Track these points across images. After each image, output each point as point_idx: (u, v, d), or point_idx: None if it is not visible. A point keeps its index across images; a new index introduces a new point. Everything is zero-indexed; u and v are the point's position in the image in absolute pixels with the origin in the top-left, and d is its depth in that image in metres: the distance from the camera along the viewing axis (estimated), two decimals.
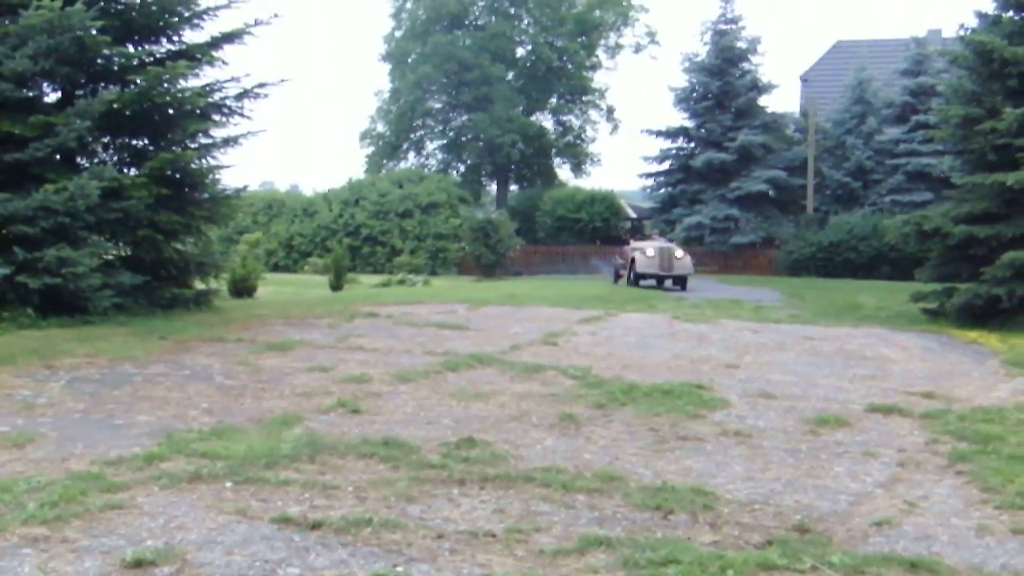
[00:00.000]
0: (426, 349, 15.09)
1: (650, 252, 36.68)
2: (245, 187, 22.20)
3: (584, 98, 71.67)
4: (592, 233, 56.01)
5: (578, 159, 71.64)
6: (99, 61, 18.54)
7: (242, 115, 19.89)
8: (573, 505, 7.37)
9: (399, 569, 6.00)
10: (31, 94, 18.27)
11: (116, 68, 18.75)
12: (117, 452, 8.44)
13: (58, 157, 17.80)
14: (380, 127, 71.10)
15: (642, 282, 37.10)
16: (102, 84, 18.93)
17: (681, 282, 36.68)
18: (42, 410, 10.21)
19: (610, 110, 72.17)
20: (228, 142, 20.02)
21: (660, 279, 37.00)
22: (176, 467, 8.01)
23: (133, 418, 9.94)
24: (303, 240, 55.89)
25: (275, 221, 56.83)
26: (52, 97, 19.01)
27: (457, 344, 15.80)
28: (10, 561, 5.93)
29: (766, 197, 50.75)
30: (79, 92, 18.66)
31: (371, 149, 71.22)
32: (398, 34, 69.51)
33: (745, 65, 52.82)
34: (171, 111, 18.82)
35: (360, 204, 55.85)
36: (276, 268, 50.98)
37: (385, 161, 70.16)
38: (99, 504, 6.98)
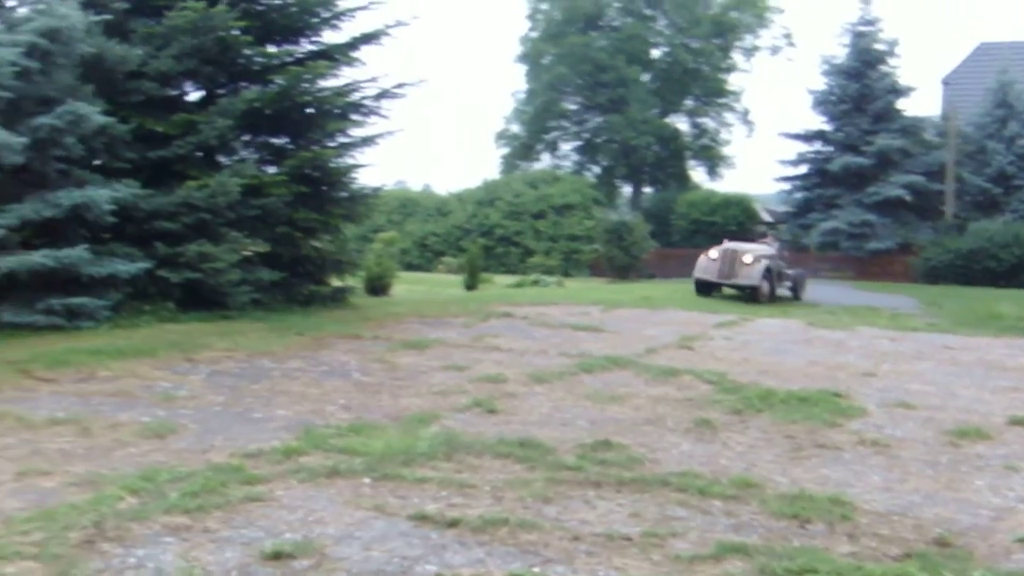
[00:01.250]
0: (561, 350, 15.05)
1: (713, 254, 29.84)
2: (382, 186, 22.42)
3: (719, 100, 70.94)
4: (727, 237, 55.58)
5: (713, 162, 70.98)
6: (240, 61, 18.78)
7: (380, 115, 20.03)
8: (709, 511, 7.27)
9: (536, 570, 5.96)
10: (174, 93, 18.63)
11: (257, 68, 19.00)
12: (256, 445, 8.54)
13: (200, 155, 18.07)
14: (515, 128, 71.16)
15: (714, 292, 30.34)
16: (243, 84, 19.18)
17: (751, 293, 28.97)
18: (183, 402, 10.37)
19: (745, 112, 71.40)
20: (365, 141, 20.18)
21: (716, 287, 30.03)
22: (314, 462, 8.08)
23: (271, 412, 10.05)
24: (437, 239, 56.15)
25: (409, 220, 57.17)
26: (194, 96, 19.29)
27: (592, 346, 15.74)
28: (153, 549, 6.01)
29: (903, 203, 49.55)
30: (220, 91, 18.96)
31: (506, 150, 71.31)
32: (533, 35, 69.45)
33: (883, 68, 51.77)
34: (310, 111, 19.00)
35: (494, 204, 55.98)
36: (409, 267, 51.21)
37: (519, 162, 70.17)
38: (239, 496, 7.06)
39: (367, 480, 7.64)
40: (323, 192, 19.41)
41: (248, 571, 5.77)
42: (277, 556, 5.97)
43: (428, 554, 6.15)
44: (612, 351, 15.02)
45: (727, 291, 30.50)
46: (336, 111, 19.50)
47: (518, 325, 18.41)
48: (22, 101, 14.52)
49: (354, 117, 19.82)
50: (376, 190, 21.40)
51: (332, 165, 19.33)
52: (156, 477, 7.43)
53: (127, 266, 15.32)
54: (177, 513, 6.66)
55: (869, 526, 7.10)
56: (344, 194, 20.06)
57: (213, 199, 16.48)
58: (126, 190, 15.45)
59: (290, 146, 19.51)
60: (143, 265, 15.70)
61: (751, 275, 28.78)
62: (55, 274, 14.09)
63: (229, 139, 17.96)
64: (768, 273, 29.19)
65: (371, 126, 20.21)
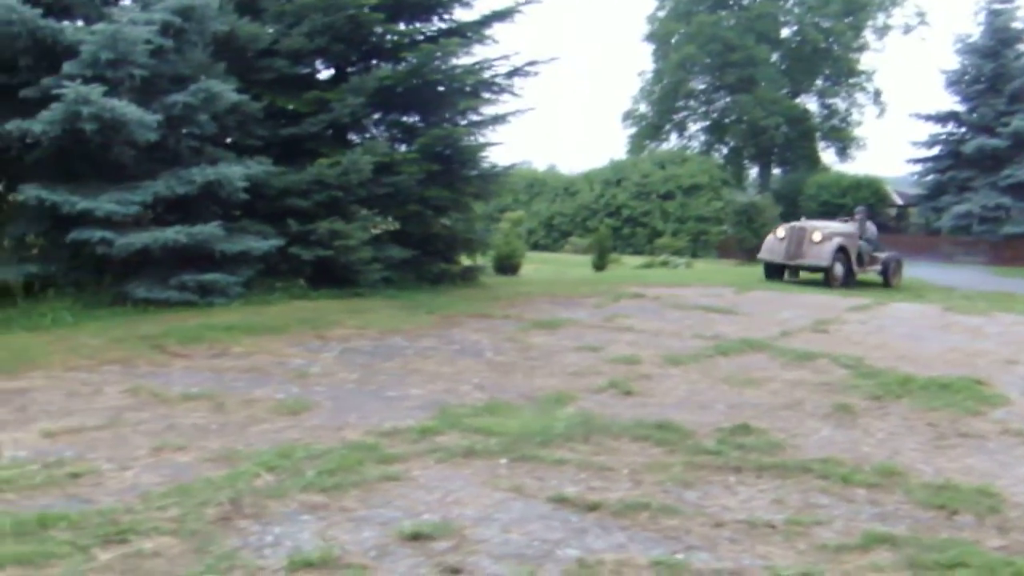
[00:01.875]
0: (695, 332, 14.78)
1: (780, 232, 26.79)
2: (513, 165, 22.17)
3: (850, 80, 69.73)
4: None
5: (843, 143, 69.77)
6: (371, 39, 18.74)
7: (512, 93, 19.86)
8: (853, 499, 6.97)
9: (679, 556, 5.74)
10: (305, 71, 18.62)
11: (388, 46, 18.96)
12: (391, 424, 8.42)
13: (330, 133, 18.06)
14: (642, 108, 70.62)
15: (785, 275, 27.36)
16: (374, 62, 19.15)
17: (824, 276, 25.77)
18: (316, 379, 10.31)
19: (877, 93, 70.03)
20: (496, 120, 20.01)
21: (785, 269, 27.09)
22: (450, 441, 7.93)
23: (405, 391, 9.93)
24: (563, 220, 55.87)
25: (536, 200, 56.99)
26: (325, 74, 19.28)
27: (725, 328, 15.45)
28: (290, 527, 5.91)
29: None
30: (351, 69, 18.93)
31: (633, 129, 70.80)
32: (661, 14, 68.77)
33: (1021, 47, 50.42)
34: (442, 88, 18.88)
35: (622, 185, 55.55)
36: (536, 247, 51.08)
37: (647, 142, 69.64)
38: (375, 475, 6.93)
39: (504, 461, 7.48)
40: (454, 170, 19.28)
41: (387, 551, 5.63)
42: (416, 537, 5.82)
43: (568, 537, 5.97)
44: (747, 334, 14.71)
45: (803, 274, 27.40)
46: (467, 89, 19.35)
47: (650, 306, 18.17)
48: (156, 79, 14.59)
49: (485, 95, 19.66)
50: (507, 169, 21.23)
51: (463, 143, 19.19)
52: (292, 454, 7.34)
53: (259, 243, 15.34)
54: (314, 491, 6.55)
55: (1019, 519, 6.76)
56: (475, 172, 19.93)
57: (345, 177, 16.45)
58: (258, 167, 15.47)
59: (420, 124, 19.42)
60: (275, 242, 15.71)
61: (820, 255, 25.52)
62: (188, 250, 14.13)
63: (361, 117, 17.93)
64: (842, 253, 25.82)
65: (502, 104, 20.05)
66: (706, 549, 5.90)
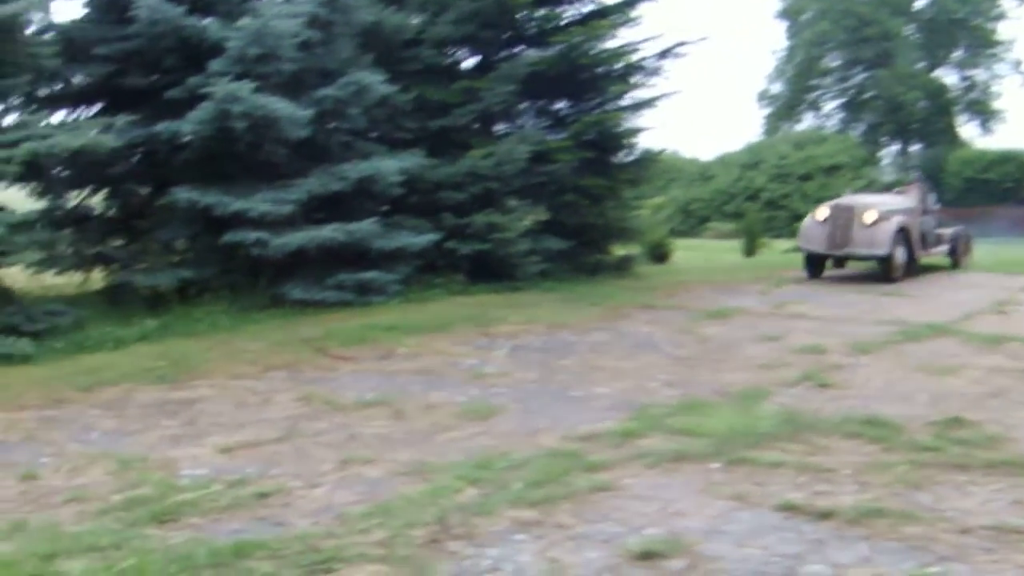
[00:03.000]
0: (874, 317, 14.01)
1: (821, 213, 20.05)
2: (663, 150, 21.49)
3: (988, 51, 67.76)
4: (1003, 195, 52.83)
5: (984, 116, 67.80)
6: (516, 24, 18.17)
7: (660, 76, 19.18)
8: None
9: (933, 570, 5.12)
10: (450, 60, 18.12)
11: (533, 31, 18.37)
12: (587, 427, 7.85)
13: (478, 123, 17.54)
14: (776, 87, 69.33)
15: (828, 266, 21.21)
16: (519, 48, 18.58)
17: (881, 266, 19.68)
18: (493, 380, 9.77)
19: (1017, 63, 67.96)
20: (644, 104, 19.34)
21: (824, 261, 20.75)
22: (655, 445, 7.32)
23: (590, 389, 9.34)
24: (701, 205, 54.84)
25: (672, 186, 56.14)
26: (470, 63, 18.75)
27: (903, 311, 14.64)
28: (506, 548, 5.36)
29: None
30: (496, 57, 18.38)
31: (768, 110, 69.55)
32: None
33: None
34: (591, 73, 18.26)
35: (759, 167, 54.41)
36: (673, 233, 50.29)
37: (782, 122, 68.34)
38: (585, 485, 6.35)
39: (716, 465, 6.86)
40: (607, 158, 18.68)
41: (619, 573, 5.09)
42: (646, 556, 5.27)
43: (808, 551, 5.38)
44: (928, 317, 13.90)
45: (851, 263, 21.63)
46: (615, 73, 18.70)
47: (816, 291, 17.51)
48: (304, 74, 14.19)
49: (634, 79, 18.99)
50: (658, 154, 20.56)
51: (616, 129, 18.57)
52: (491, 465, 6.77)
53: (416, 239, 14.85)
54: (523, 506, 5.99)
55: None
56: (629, 159, 19.32)
57: (499, 167, 15.93)
58: (412, 160, 14.99)
59: (571, 111, 18.82)
60: (431, 237, 15.21)
61: (876, 240, 18.98)
62: (344, 249, 13.69)
63: (510, 105, 17.38)
64: (902, 235, 19.56)
65: (651, 88, 19.36)
66: (959, 559, 5.28)
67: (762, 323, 13.44)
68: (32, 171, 12.01)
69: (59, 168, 13.62)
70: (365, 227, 13.66)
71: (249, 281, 13.81)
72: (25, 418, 8.54)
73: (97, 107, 15.37)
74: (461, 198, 15.95)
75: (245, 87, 12.59)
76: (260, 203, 12.98)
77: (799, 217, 50.56)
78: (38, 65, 13.00)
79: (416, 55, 16.78)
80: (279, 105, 12.85)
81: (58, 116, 14.91)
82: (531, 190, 17.12)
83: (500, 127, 18.37)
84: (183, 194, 13.02)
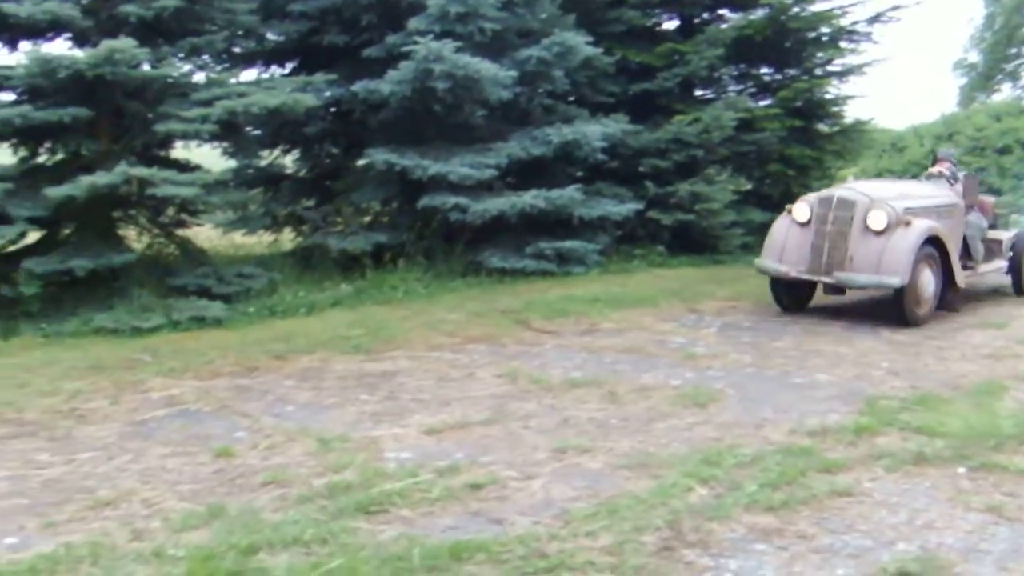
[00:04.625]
0: None
1: (800, 213, 11.80)
2: (871, 119, 20.52)
3: None
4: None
5: None
6: None
7: (871, 41, 18.28)
8: None
9: None
10: (652, 22, 17.50)
11: None
12: (816, 420, 7.24)
13: (679, 88, 16.88)
14: (973, 56, 67.05)
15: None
16: (723, 10, 17.87)
17: (899, 300, 11.35)
18: (706, 361, 9.18)
19: None
20: (852, 71, 18.46)
21: (805, 290, 12.35)
22: (891, 444, 6.70)
23: (811, 376, 8.68)
24: (892, 176, 53.39)
25: (862, 156, 54.56)
26: (671, 24, 18.09)
27: None
28: (746, 560, 4.85)
29: None
30: (698, 20, 17.71)
31: (963, 80, 67.34)
32: None
33: None
34: (799, 37, 17.45)
35: (953, 139, 52.68)
36: None
37: (977, 92, 66.11)
38: (824, 489, 5.78)
39: (961, 470, 6.21)
40: (813, 126, 17.89)
41: None
42: None
43: None
44: None
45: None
46: (824, 37, 17.87)
47: None
48: (505, 33, 13.68)
49: (843, 44, 18.13)
50: (865, 123, 19.63)
51: (825, 96, 17.77)
52: (720, 461, 6.20)
53: (618, 207, 14.27)
54: (759, 510, 5.45)
55: None
56: (836, 128, 18.48)
57: (705, 135, 15.28)
58: (615, 126, 14.41)
59: (776, 76, 18.05)
60: (633, 206, 14.63)
61: (889, 259, 11.10)
62: (545, 216, 13.20)
63: (715, 70, 16.70)
64: (932, 249, 11.57)
65: (860, 54, 18.47)
66: None
67: (983, 308, 12.57)
68: (226, 130, 11.72)
69: (252, 127, 13.37)
70: (567, 194, 13.14)
71: (445, 247, 13.42)
72: (218, 386, 8.28)
73: (290, 66, 15.15)
74: (664, 166, 15.34)
75: (448, 46, 12.16)
76: (459, 167, 12.56)
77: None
78: (234, 22, 12.75)
79: (619, 16, 16.17)
80: (482, 65, 12.39)
81: (248, 74, 14.78)
82: (735, 159, 16.46)
83: (702, 92, 17.70)
84: (380, 156, 12.66)
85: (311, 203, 14.59)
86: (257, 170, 14.72)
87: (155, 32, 11.72)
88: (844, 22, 17.90)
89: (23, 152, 12.17)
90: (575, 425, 7.11)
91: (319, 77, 12.57)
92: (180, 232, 12.62)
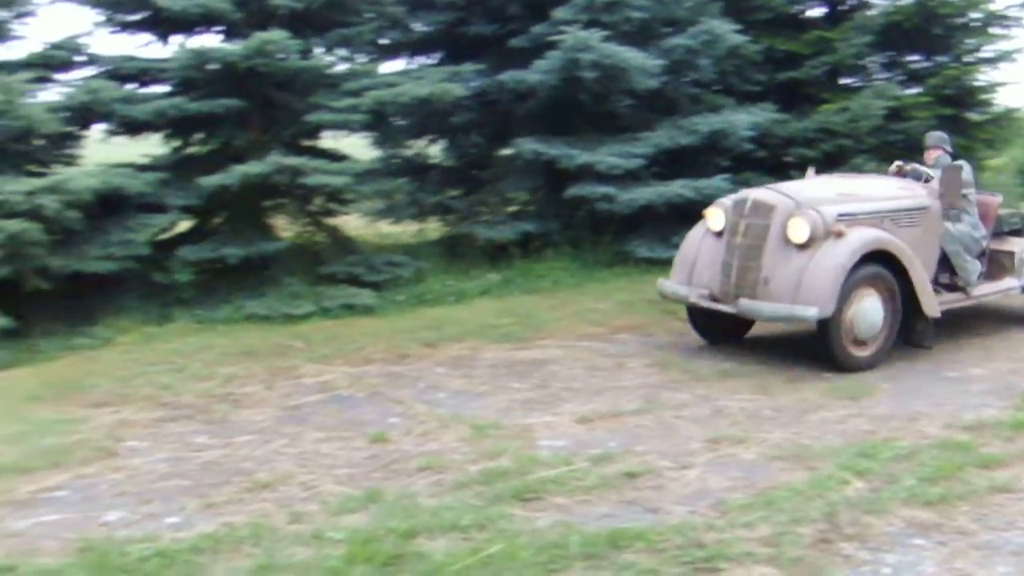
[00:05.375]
0: None
1: (715, 216, 9.30)
2: (1019, 108, 20.02)
3: None
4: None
5: None
6: None
7: (1022, 26, 17.81)
8: None
9: None
10: (797, 9, 17.26)
11: None
12: (971, 414, 7.13)
13: (824, 76, 16.63)
14: None
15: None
16: None
17: (824, 338, 8.51)
18: None
19: None
20: (1003, 57, 18.00)
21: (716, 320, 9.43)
22: None
23: (964, 370, 8.53)
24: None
25: (1013, 144, 53.32)
26: (817, 12, 17.81)
27: None
28: (904, 554, 4.84)
29: None
30: (843, 6, 17.43)
31: None
32: None
33: None
34: (948, 23, 17.07)
35: None
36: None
37: None
38: (982, 484, 5.71)
39: None
40: (964, 114, 17.49)
41: None
42: None
43: None
44: None
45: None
46: (974, 23, 17.47)
47: None
48: (652, 22, 13.60)
49: (994, 30, 17.70)
50: (1013, 111, 19.13)
51: (974, 84, 17.38)
52: (876, 454, 6.15)
53: None
54: (917, 505, 5.40)
55: None
56: (986, 116, 18.05)
57: (853, 124, 15.01)
58: (763, 115, 14.24)
59: (925, 64, 17.68)
60: None
61: (807, 283, 8.35)
62: (692, 206, 13.07)
63: (864, 57, 16.43)
64: (878, 268, 8.71)
65: (1011, 40, 18.01)
66: None
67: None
68: (374, 120, 11.85)
69: (398, 117, 13.47)
70: (715, 184, 12.99)
71: (592, 236, 13.38)
72: (370, 373, 8.39)
73: (435, 56, 15.22)
74: (811, 155, 15.12)
75: (595, 35, 12.11)
76: (607, 156, 12.51)
77: None
78: (382, 13, 12.87)
79: (765, 4, 15.97)
80: (629, 55, 12.33)
81: (392, 65, 14.90)
82: (882, 149, 16.17)
83: (849, 81, 17.42)
84: (527, 145, 12.67)
85: (457, 192, 14.64)
86: (403, 160, 14.82)
87: (304, 23, 11.86)
88: (995, 7, 17.48)
89: (174, 142, 12.42)
90: (727, 415, 7.09)
91: (467, 67, 12.63)
92: (328, 221, 12.77)
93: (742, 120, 13.54)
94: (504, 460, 6.02)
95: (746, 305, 8.53)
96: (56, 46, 11.77)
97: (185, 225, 12.11)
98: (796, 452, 6.19)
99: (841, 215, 8.64)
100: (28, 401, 7.88)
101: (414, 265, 12.01)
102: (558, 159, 12.50)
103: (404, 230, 14.51)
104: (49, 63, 11.67)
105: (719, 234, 9.11)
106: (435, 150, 15.45)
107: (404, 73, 13.08)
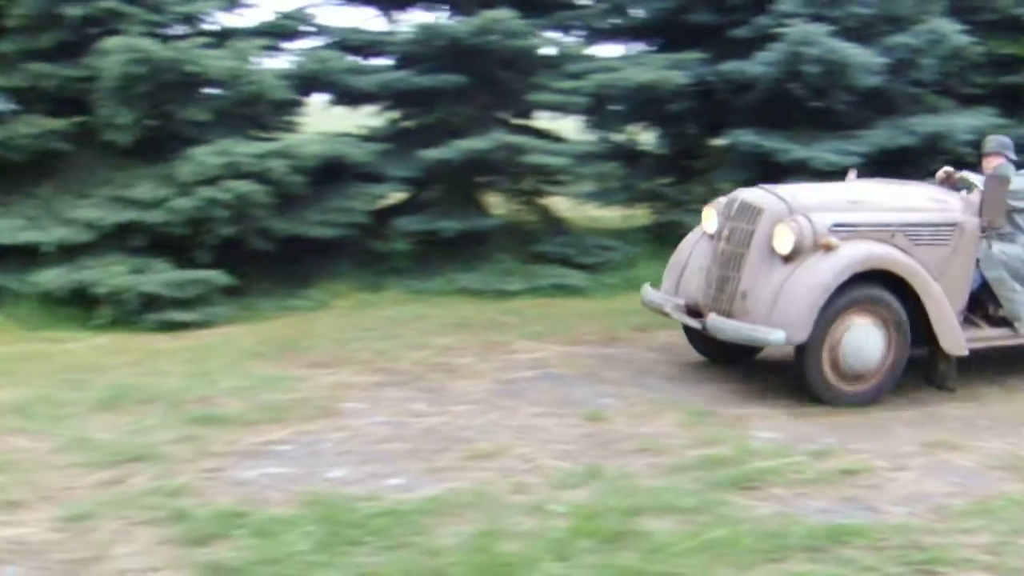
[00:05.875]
0: None
1: (710, 219, 8.15)
2: None
3: None
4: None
5: None
6: None
7: None
8: None
9: None
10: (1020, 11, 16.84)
11: None
12: None
13: None
14: None
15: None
16: None
17: (804, 371, 7.35)
18: None
19: None
20: None
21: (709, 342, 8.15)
22: None
23: None
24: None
25: None
26: None
27: None
28: None
29: None
30: None
31: None
32: None
33: None
34: None
35: None
36: None
37: None
38: None
39: None
40: None
41: None
42: None
43: None
44: None
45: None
46: None
47: None
48: (876, 19, 13.42)
49: None
50: None
51: None
52: None
53: None
54: None
55: None
56: None
57: None
58: (983, 119, 13.93)
59: None
60: None
61: (786, 306, 7.14)
62: None
63: None
64: (883, 289, 7.39)
65: None
66: None
67: None
68: (595, 103, 11.96)
69: (615, 103, 13.52)
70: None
71: None
72: (581, 353, 8.49)
73: (652, 43, 15.19)
74: None
75: (820, 30, 12.02)
76: (822, 152, 12.37)
77: None
78: None
79: (989, 5, 15.60)
80: (853, 51, 12.19)
81: (604, 49, 14.96)
82: None
83: None
84: (745, 137, 12.61)
85: (668, 180, 14.63)
86: (614, 145, 14.86)
87: (529, 4, 12.00)
88: None
89: (391, 115, 12.68)
90: (940, 421, 7.00)
91: (689, 55, 12.63)
92: (539, 201, 12.91)
93: (962, 123, 13.27)
94: (721, 448, 6.05)
95: (712, 321, 7.37)
96: (287, 16, 12.12)
97: (398, 197, 12.36)
98: (1014, 463, 6.09)
99: (837, 225, 7.37)
100: (249, 357, 8.20)
101: (625, 249, 12.09)
102: (774, 152, 12.43)
103: (611, 214, 14.55)
104: (279, 32, 12.04)
105: (713, 237, 7.99)
106: (646, 137, 15.46)
107: (624, 58, 13.14)
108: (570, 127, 13.99)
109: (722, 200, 8.09)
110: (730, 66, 12.68)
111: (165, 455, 5.81)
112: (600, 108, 12.77)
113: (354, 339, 8.73)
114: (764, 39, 12.57)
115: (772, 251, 7.32)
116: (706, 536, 4.71)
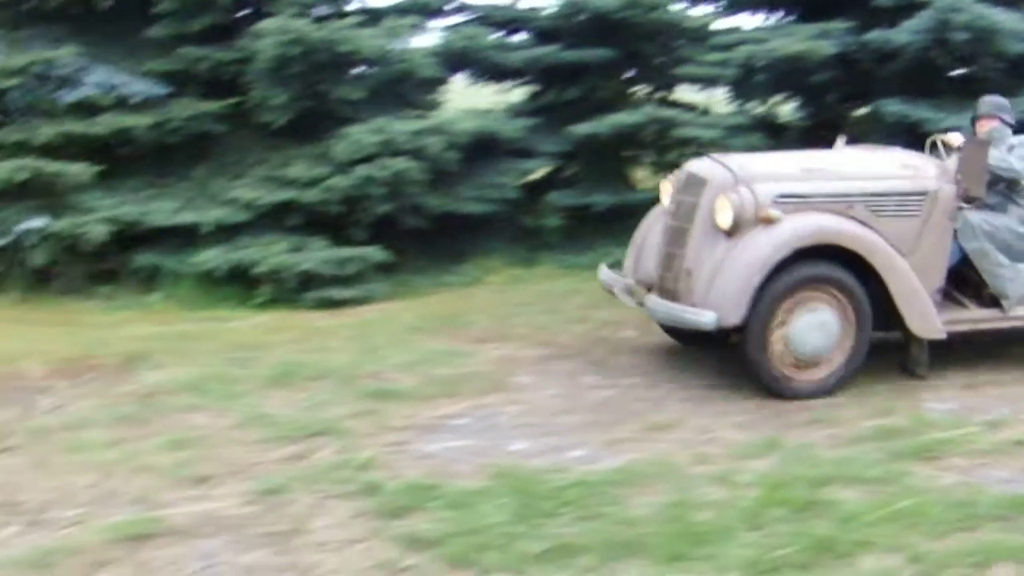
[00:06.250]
0: None
1: (667, 192, 7.65)
2: None
3: None
4: None
5: None
6: None
7: None
8: None
9: None
10: None
11: None
12: None
13: None
14: None
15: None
16: None
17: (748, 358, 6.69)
18: None
19: None
20: None
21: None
22: None
23: None
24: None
25: None
26: None
27: None
28: None
29: None
30: None
31: None
32: None
33: None
34: None
35: None
36: None
37: None
38: None
39: None
40: None
41: None
42: None
43: None
44: None
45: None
46: None
47: None
48: None
49: None
50: None
51: None
52: None
53: None
54: None
55: None
56: None
57: None
58: None
59: None
60: None
61: (722, 285, 6.51)
62: None
63: None
64: (839, 268, 6.67)
65: None
66: None
67: None
68: (743, 75, 11.95)
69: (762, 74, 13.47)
70: None
71: None
72: None
73: (788, 13, 15.06)
74: None
75: None
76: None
77: None
78: None
79: None
80: (1002, 16, 12.02)
81: (736, 20, 14.85)
82: None
83: None
84: (891, 107, 12.46)
85: None
86: (753, 117, 14.79)
87: None
88: None
89: (534, 90, 12.75)
90: None
91: (835, 25, 12.53)
92: None
93: None
94: (895, 419, 6.06)
95: (651, 302, 6.87)
96: None
97: (542, 172, 12.44)
98: None
99: (784, 196, 6.66)
100: (412, 332, 8.34)
101: None
102: (924, 121, 12.29)
103: None
104: (423, 10, 12.13)
105: (669, 214, 7.31)
106: (786, 109, 15.36)
107: (770, 29, 13.09)
108: (711, 100, 13.95)
109: (678, 176, 7.43)
110: (875, 35, 12.53)
111: (346, 430, 5.97)
112: (747, 80, 12.71)
113: (513, 314, 8.84)
114: (907, 8, 12.41)
115: (715, 225, 6.69)
116: (895, 506, 4.74)
